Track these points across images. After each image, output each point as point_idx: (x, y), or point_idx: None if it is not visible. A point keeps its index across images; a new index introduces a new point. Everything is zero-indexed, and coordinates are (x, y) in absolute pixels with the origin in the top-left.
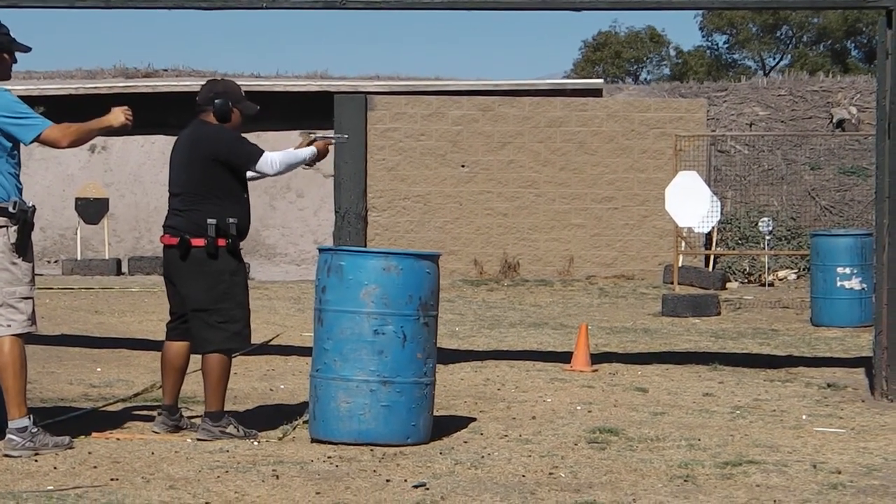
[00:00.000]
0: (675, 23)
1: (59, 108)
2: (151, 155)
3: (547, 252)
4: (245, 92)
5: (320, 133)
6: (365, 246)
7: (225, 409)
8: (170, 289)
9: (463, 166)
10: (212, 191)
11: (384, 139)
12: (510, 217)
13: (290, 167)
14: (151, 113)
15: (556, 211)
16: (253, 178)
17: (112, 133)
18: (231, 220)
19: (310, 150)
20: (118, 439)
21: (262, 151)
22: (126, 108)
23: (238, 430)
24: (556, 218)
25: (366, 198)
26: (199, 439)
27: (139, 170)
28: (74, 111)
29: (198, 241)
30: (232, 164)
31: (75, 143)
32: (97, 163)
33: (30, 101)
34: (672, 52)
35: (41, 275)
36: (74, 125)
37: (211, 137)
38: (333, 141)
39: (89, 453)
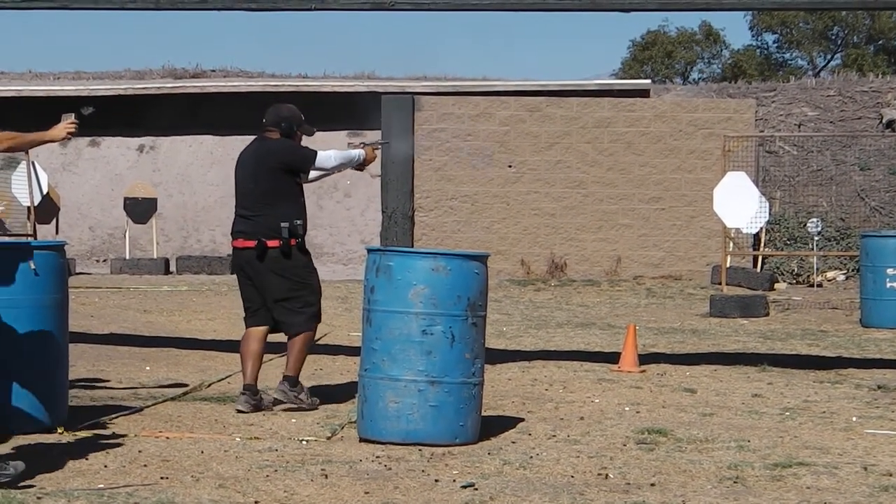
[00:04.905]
0: (725, 22)
1: (109, 109)
2: (199, 155)
3: (594, 252)
4: (293, 92)
5: (367, 140)
6: (411, 246)
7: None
8: (245, 284)
9: (510, 166)
10: (279, 197)
11: (431, 139)
12: (557, 217)
13: (345, 162)
14: (200, 113)
15: (604, 211)
16: (315, 179)
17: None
18: (297, 221)
19: (360, 151)
20: (168, 438)
21: (317, 151)
22: (70, 122)
23: (307, 399)
24: (604, 218)
25: (413, 198)
26: (275, 399)
27: (187, 170)
28: (123, 111)
29: (273, 243)
30: (294, 168)
31: (10, 150)
32: (145, 162)
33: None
34: (726, 53)
35: (89, 273)
36: (15, 134)
37: (273, 148)
38: (378, 146)
39: (139, 452)
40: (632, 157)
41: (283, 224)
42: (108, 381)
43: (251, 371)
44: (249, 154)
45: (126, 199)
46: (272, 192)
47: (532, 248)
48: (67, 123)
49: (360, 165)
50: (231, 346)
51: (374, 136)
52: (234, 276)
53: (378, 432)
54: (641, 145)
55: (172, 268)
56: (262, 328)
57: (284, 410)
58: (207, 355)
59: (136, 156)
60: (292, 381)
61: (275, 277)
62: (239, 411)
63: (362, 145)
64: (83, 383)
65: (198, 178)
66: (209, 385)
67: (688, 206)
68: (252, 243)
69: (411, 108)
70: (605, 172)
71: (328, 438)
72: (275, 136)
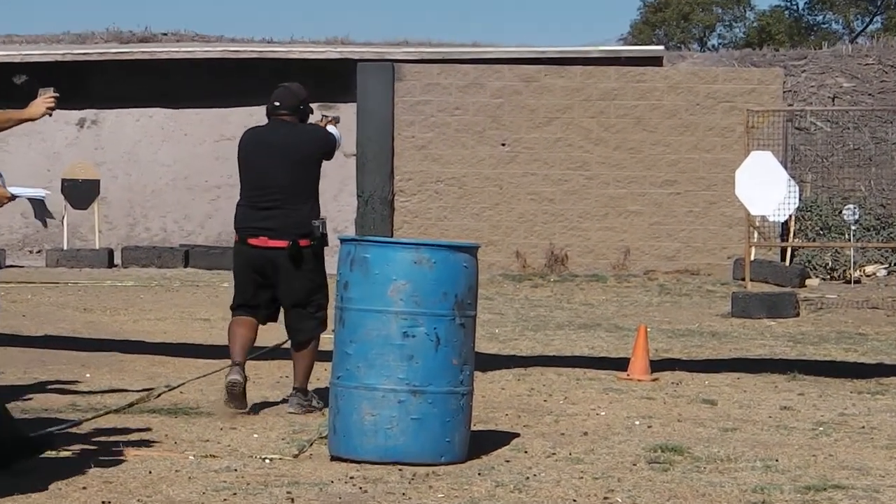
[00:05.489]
0: None
1: (45, 77)
2: (149, 130)
3: (599, 243)
4: (256, 59)
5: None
6: (391, 235)
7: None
8: (255, 286)
9: (503, 145)
10: (310, 191)
11: (413, 113)
12: (557, 203)
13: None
14: (149, 83)
15: (610, 196)
16: None
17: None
18: (323, 217)
19: (337, 130)
20: (111, 456)
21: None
22: (49, 97)
23: (319, 403)
24: (610, 204)
25: (393, 180)
26: (290, 412)
27: (135, 147)
28: (62, 80)
29: (305, 242)
30: (328, 158)
31: None
32: (87, 139)
33: (11, 69)
34: (750, 16)
35: (21, 266)
36: None
37: (310, 136)
38: (332, 120)
39: (78, 472)
40: (642, 134)
41: (314, 221)
42: (42, 390)
43: (241, 350)
44: (275, 141)
45: (64, 181)
46: (306, 186)
47: (528, 239)
48: (46, 98)
49: None
50: (184, 351)
51: (349, 110)
52: (190, 271)
53: (352, 449)
54: (653, 121)
55: (117, 260)
56: (255, 321)
57: (245, 426)
58: (157, 360)
59: (76, 131)
60: (304, 391)
61: (302, 280)
62: (291, 413)
63: (323, 118)
64: (13, 393)
65: (147, 156)
66: (159, 395)
67: (706, 190)
68: (282, 243)
69: (391, 77)
70: (611, 152)
71: (295, 457)
72: (291, 119)
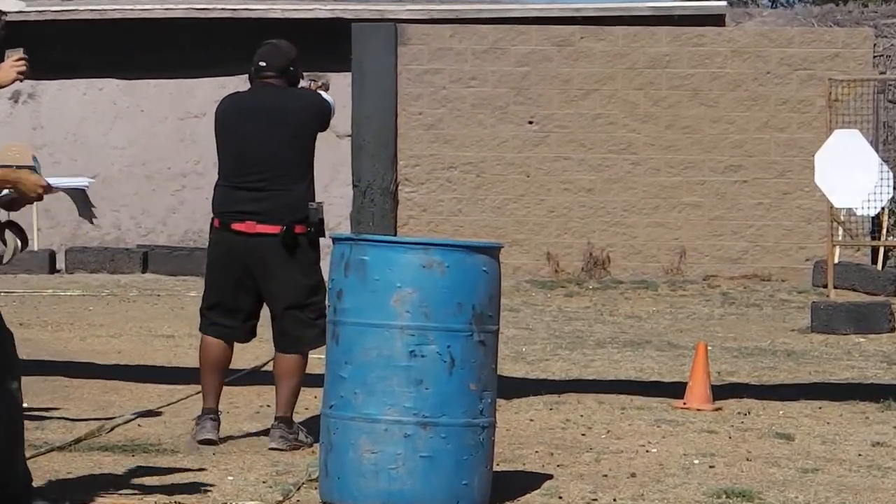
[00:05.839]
0: None
1: None
2: (98, 105)
3: (648, 242)
4: (228, 19)
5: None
6: (395, 233)
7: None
8: (234, 284)
9: (531, 123)
10: (304, 167)
11: (421, 85)
12: (596, 193)
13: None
14: (99, 47)
15: (661, 185)
16: None
17: None
18: (320, 200)
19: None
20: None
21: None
22: (18, 58)
23: (308, 438)
24: (661, 195)
25: (396, 167)
26: (272, 448)
27: (81, 126)
28: None
29: (300, 228)
30: (324, 128)
31: None
32: (22, 116)
33: None
34: None
35: None
36: None
37: (302, 102)
38: (322, 85)
39: None
40: (700, 109)
41: (311, 204)
42: None
43: (215, 391)
44: (261, 107)
45: None
46: (300, 161)
47: (562, 237)
48: (14, 61)
49: None
50: (143, 374)
51: (342, 80)
52: (150, 277)
53: (348, 494)
54: (713, 93)
55: (60, 264)
56: (230, 345)
57: (218, 466)
58: (109, 386)
59: (9, 107)
60: (289, 421)
61: (298, 276)
62: (206, 442)
63: (311, 83)
64: None
65: (96, 137)
66: (112, 429)
67: (779, 177)
68: (273, 228)
69: (393, 40)
70: (662, 131)
71: (279, 503)
72: (279, 83)
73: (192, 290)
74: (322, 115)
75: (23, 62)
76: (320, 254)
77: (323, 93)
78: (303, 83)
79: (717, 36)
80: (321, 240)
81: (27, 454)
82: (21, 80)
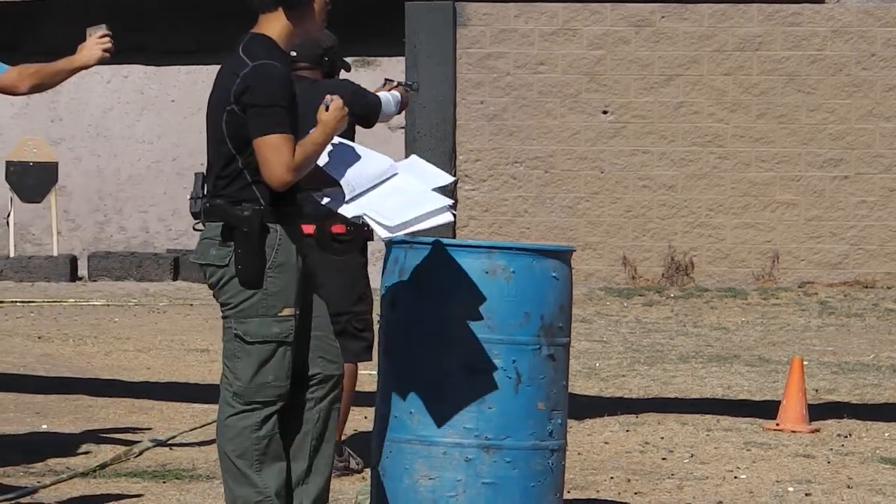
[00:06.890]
0: None
1: None
2: (123, 96)
3: (737, 245)
4: None
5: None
6: (454, 236)
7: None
8: None
9: (605, 112)
10: None
11: (482, 71)
12: (679, 191)
13: (396, 109)
14: (122, 30)
15: (752, 182)
16: None
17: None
18: None
19: (396, 93)
20: None
21: (379, 95)
22: (102, 35)
23: (359, 463)
24: (752, 192)
25: (454, 161)
26: None
27: (104, 119)
28: (5, 27)
29: (338, 228)
30: (361, 122)
31: (38, 89)
32: (39, 108)
33: None
34: None
35: None
36: (35, 66)
37: (341, 93)
38: (410, 87)
39: None
40: (796, 96)
41: None
42: None
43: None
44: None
45: (9, 164)
46: None
47: (640, 240)
48: (98, 38)
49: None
50: (174, 393)
51: (394, 66)
52: (181, 285)
53: None
54: (811, 79)
55: (82, 271)
56: None
57: None
58: (137, 406)
59: (24, 98)
60: (338, 446)
61: (338, 282)
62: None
63: (387, 83)
64: None
65: (120, 131)
66: (141, 452)
67: (885, 172)
68: (307, 228)
69: (452, 21)
70: (753, 121)
71: None
72: (314, 75)
73: None
74: (357, 110)
75: (108, 40)
76: (367, 258)
77: (388, 93)
78: (368, 78)
79: (815, 14)
80: (371, 244)
81: (48, 480)
82: (108, 58)
